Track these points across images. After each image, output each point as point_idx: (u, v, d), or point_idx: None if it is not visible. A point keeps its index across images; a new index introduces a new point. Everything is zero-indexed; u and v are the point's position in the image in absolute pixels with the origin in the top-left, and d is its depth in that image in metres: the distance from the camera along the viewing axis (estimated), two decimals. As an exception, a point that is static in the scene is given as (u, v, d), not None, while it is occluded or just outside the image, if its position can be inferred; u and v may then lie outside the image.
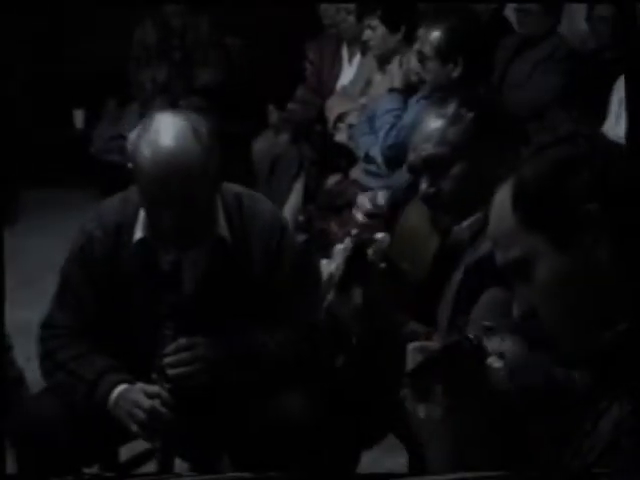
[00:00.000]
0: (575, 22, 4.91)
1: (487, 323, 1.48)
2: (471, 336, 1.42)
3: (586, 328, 1.30)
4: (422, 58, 3.59)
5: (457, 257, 2.15)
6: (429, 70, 3.54)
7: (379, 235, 1.96)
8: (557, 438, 1.41)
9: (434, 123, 2.13)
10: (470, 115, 2.11)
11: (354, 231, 1.93)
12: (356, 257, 1.89)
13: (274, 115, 5.60)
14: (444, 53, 3.51)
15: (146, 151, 2.18)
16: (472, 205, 2.11)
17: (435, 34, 3.54)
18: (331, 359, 2.45)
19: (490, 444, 1.38)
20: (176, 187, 2.16)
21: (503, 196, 1.35)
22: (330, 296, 1.92)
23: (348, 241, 1.93)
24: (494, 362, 1.44)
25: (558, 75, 4.32)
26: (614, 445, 1.21)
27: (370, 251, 1.90)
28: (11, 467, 2.27)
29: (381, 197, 3.69)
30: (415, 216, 2.35)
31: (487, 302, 1.93)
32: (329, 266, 1.96)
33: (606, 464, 1.21)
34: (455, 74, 3.51)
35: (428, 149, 2.12)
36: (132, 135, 2.25)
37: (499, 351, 1.47)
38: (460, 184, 2.12)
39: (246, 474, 1.67)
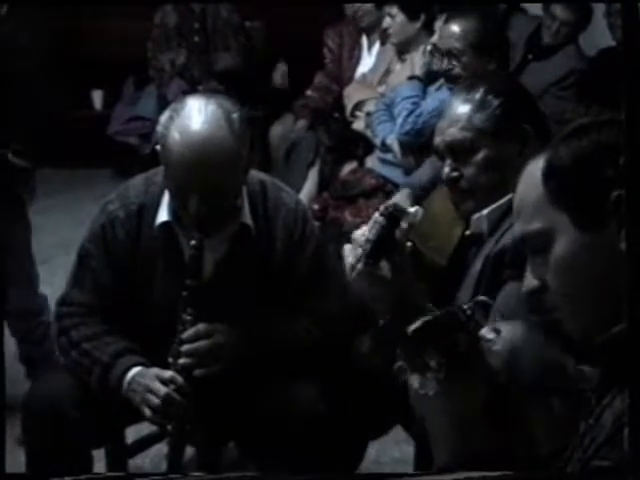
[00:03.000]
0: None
1: (482, 298, 1.48)
2: (465, 307, 1.41)
3: (593, 317, 1.29)
4: (453, 53, 3.52)
5: (477, 246, 2.15)
6: (466, 65, 3.48)
7: (412, 208, 1.96)
8: (562, 426, 1.41)
9: (461, 108, 2.14)
10: (496, 102, 2.11)
11: (382, 207, 1.92)
12: (389, 228, 1.88)
13: (279, 75, 5.56)
14: (481, 46, 3.46)
15: (177, 134, 2.16)
16: (492, 193, 2.11)
17: (468, 27, 3.48)
18: (353, 344, 2.44)
19: (486, 422, 1.37)
20: (205, 173, 2.15)
21: (534, 168, 1.34)
22: (359, 268, 1.90)
23: (378, 215, 1.92)
24: (487, 333, 1.43)
25: (569, 100, 4.31)
26: (613, 438, 1.20)
27: (403, 222, 1.90)
28: (11, 466, 2.26)
29: (403, 198, 3.63)
30: (439, 203, 2.35)
31: (509, 294, 1.93)
32: (353, 251, 1.95)
33: (604, 457, 1.20)
34: (491, 67, 3.47)
35: (453, 133, 2.14)
36: (162, 117, 2.23)
37: (494, 327, 1.47)
38: (482, 170, 2.12)
39: (250, 474, 1.66)
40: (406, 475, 1.98)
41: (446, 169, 2.17)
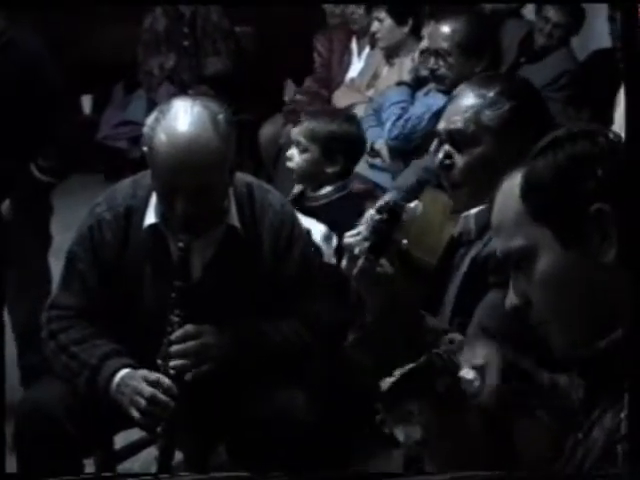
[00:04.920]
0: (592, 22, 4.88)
1: (456, 336, 1.47)
2: (440, 352, 1.41)
3: (579, 331, 1.29)
4: (440, 53, 3.53)
5: (465, 248, 2.16)
6: (451, 65, 3.49)
7: (412, 204, 1.96)
8: (549, 445, 1.41)
9: (472, 100, 2.14)
10: (508, 104, 2.12)
11: (377, 204, 1.93)
12: (390, 223, 1.89)
13: (291, 91, 5.57)
14: (468, 47, 3.47)
15: (163, 136, 2.18)
16: (481, 191, 2.10)
17: (456, 28, 3.50)
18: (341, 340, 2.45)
19: (479, 458, 1.37)
20: (191, 173, 2.16)
21: (511, 184, 1.34)
22: (359, 264, 1.91)
23: (374, 212, 1.93)
24: (467, 374, 1.43)
25: (561, 102, 4.32)
26: (608, 452, 1.20)
27: (404, 216, 1.91)
28: (11, 466, 2.27)
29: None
30: (429, 204, 2.36)
31: (488, 305, 1.93)
32: (348, 239, 1.96)
33: (600, 471, 1.20)
34: (478, 68, 3.47)
35: (457, 122, 2.13)
36: (149, 119, 2.25)
37: (473, 364, 1.47)
38: (476, 164, 2.12)
39: (246, 474, 1.66)
40: (405, 475, 1.98)
41: (440, 155, 2.17)
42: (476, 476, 1.34)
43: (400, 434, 1.35)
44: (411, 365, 1.40)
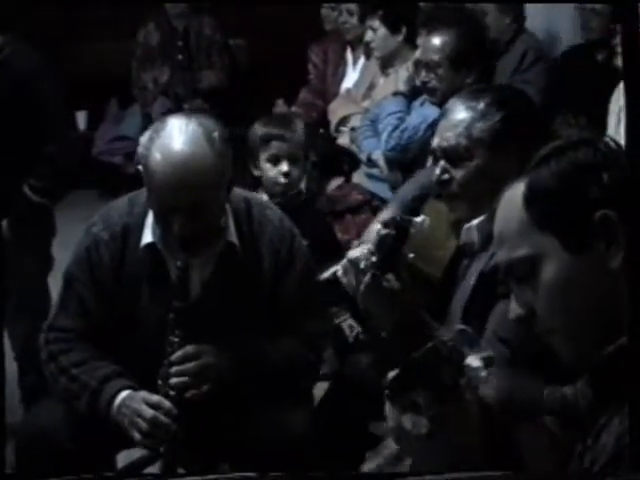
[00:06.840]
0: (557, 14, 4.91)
1: (462, 326, 1.47)
2: (446, 339, 1.40)
3: (587, 338, 1.28)
4: (430, 66, 3.52)
5: (469, 258, 2.15)
6: (442, 77, 3.48)
7: (419, 218, 1.96)
8: (555, 451, 1.40)
9: (462, 114, 2.14)
10: (499, 115, 2.11)
11: (384, 220, 1.91)
12: (398, 238, 1.88)
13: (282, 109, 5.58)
14: (458, 59, 3.45)
15: (158, 155, 2.16)
16: (482, 203, 2.10)
17: (446, 40, 3.48)
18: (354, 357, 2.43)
19: (481, 451, 1.36)
20: (188, 192, 2.14)
21: (513, 194, 1.34)
22: (366, 280, 1.89)
23: (380, 227, 1.92)
24: (473, 362, 1.43)
25: (535, 85, 4.33)
26: (617, 457, 1.20)
27: (412, 231, 1.90)
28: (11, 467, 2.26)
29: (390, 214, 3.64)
30: (432, 215, 2.36)
31: (501, 313, 1.92)
32: (354, 253, 1.95)
33: (610, 476, 1.20)
34: (469, 80, 3.46)
35: (450, 138, 2.14)
36: (143, 138, 2.23)
37: (480, 354, 1.46)
38: (473, 177, 2.12)
39: (247, 474, 1.66)
40: (407, 475, 1.97)
41: (437, 171, 2.17)
42: (478, 477, 1.32)
43: (407, 422, 1.34)
44: (416, 353, 1.39)
